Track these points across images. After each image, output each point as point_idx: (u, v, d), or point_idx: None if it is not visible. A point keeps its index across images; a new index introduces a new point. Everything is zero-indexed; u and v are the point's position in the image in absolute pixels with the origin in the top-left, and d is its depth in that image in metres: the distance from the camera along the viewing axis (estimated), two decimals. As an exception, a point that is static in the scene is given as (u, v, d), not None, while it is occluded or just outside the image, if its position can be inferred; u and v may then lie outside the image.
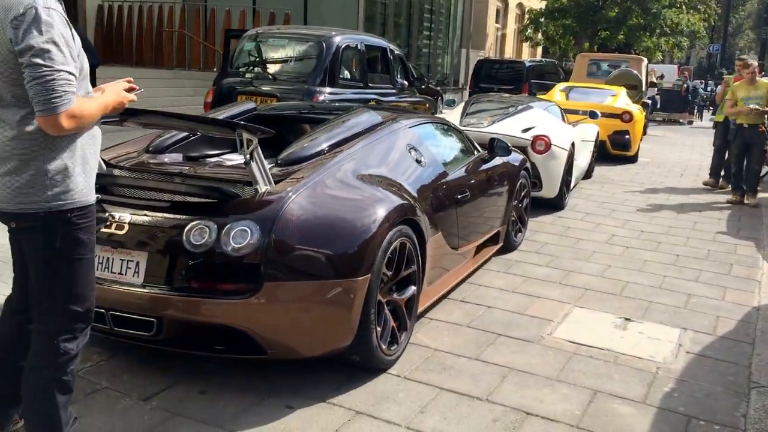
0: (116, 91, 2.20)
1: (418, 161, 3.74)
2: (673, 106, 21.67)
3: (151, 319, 2.72)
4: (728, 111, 8.15)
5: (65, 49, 1.92)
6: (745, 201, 7.94)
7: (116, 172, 3.12)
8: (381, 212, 2.98)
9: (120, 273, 2.73)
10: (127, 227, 2.76)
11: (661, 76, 26.94)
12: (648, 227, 6.49)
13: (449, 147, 4.45)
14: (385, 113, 4.13)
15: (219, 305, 2.65)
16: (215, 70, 13.12)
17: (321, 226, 2.81)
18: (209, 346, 2.83)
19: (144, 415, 2.65)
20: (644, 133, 14.65)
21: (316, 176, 3.01)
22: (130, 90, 2.25)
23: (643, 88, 14.55)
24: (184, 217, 2.72)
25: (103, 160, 3.12)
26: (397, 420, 2.72)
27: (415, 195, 3.46)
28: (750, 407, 2.99)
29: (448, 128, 4.67)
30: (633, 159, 11.11)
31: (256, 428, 2.59)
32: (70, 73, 1.92)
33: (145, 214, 2.78)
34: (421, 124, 4.18)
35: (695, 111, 23.44)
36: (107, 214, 2.80)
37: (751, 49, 49.56)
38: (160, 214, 2.78)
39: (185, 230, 2.66)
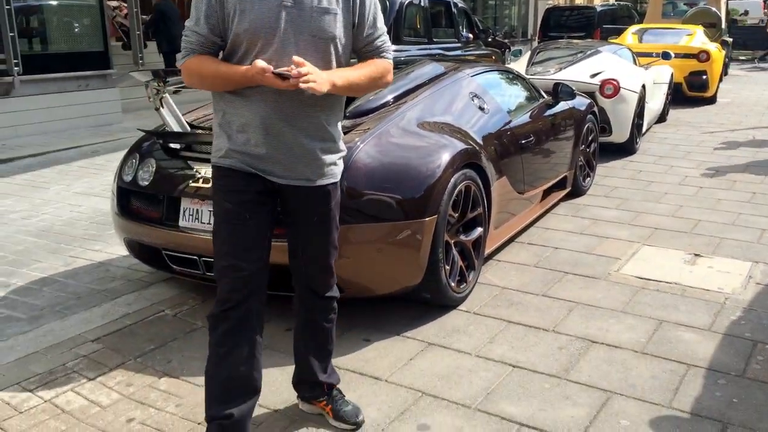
0: (258, 70, 1.89)
1: (481, 108, 3.85)
2: (757, 43, 20.45)
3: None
4: None
5: (194, 11, 2.04)
6: None
7: (199, 131, 3.39)
8: (445, 157, 3.13)
9: (209, 222, 3.00)
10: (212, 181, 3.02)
11: (745, 12, 25.38)
12: (724, 167, 6.35)
13: (513, 94, 4.51)
14: (448, 64, 4.23)
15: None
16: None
17: (388, 172, 2.99)
18: (291, 287, 3.08)
19: (237, 349, 2.94)
20: (725, 73, 14.02)
21: (381, 126, 3.18)
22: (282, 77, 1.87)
23: (723, 25, 13.83)
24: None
25: (186, 121, 3.41)
26: (467, 349, 2.91)
27: (479, 141, 3.58)
28: (820, 333, 3.01)
29: (511, 76, 4.72)
30: (711, 100, 10.71)
31: (338, 358, 2.83)
32: (193, 31, 2.02)
33: (228, 169, 3.04)
34: (483, 72, 4.26)
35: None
36: (195, 170, 3.08)
37: None
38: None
39: (264, 181, 2.89)
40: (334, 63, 2.07)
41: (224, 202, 2.11)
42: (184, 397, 2.55)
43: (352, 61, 2.20)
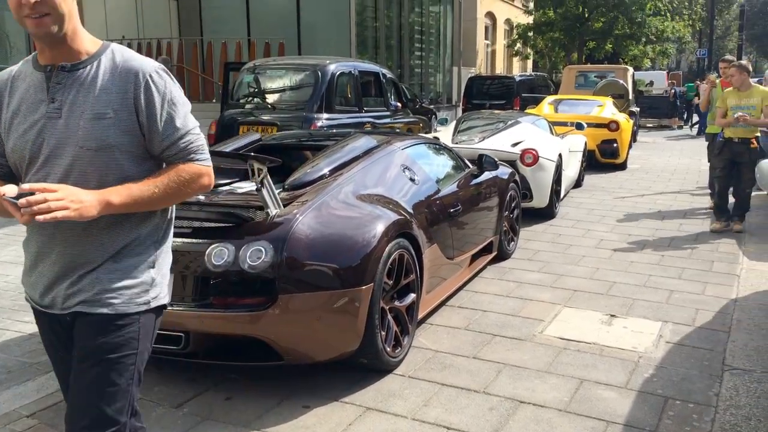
0: None
1: (412, 179, 4.09)
2: (662, 111, 22.09)
3: (180, 334, 3.04)
4: (718, 122, 6.75)
5: None
6: (733, 228, 6.68)
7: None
8: (380, 228, 3.32)
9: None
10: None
11: (651, 83, 27.44)
12: (635, 230, 6.83)
13: (441, 165, 4.80)
14: (380, 137, 4.48)
15: (239, 318, 2.98)
16: (214, 101, 13.55)
17: (327, 242, 3.15)
18: (232, 356, 3.16)
19: (177, 420, 2.96)
20: (634, 140, 15.05)
21: (320, 198, 3.35)
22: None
23: (630, 96, 14.94)
24: (204, 240, 3.06)
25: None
26: (403, 413, 3.03)
27: (411, 211, 3.80)
28: (722, 387, 3.30)
29: (438, 147, 5.02)
30: (622, 166, 11.47)
31: (277, 426, 2.91)
32: None
33: (170, 241, 3.12)
34: (413, 145, 4.54)
35: (684, 116, 23.83)
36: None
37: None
38: (181, 240, 3.11)
39: (206, 253, 2.99)
40: (118, 176, 1.76)
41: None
42: (125, 471, 2.55)
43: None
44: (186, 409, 3.05)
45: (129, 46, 10.52)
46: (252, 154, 3.20)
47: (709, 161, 7.85)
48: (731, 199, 6.91)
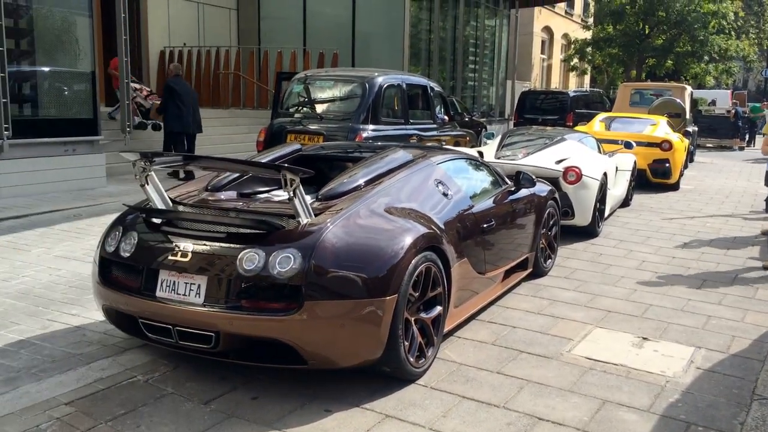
0: None
1: (445, 194, 4.16)
2: (723, 132, 21.48)
3: (211, 334, 3.19)
4: (764, 149, 6.91)
5: None
6: None
7: (180, 208, 3.64)
8: (408, 240, 3.40)
9: (184, 294, 3.21)
10: (190, 255, 3.25)
11: (713, 102, 26.69)
12: (680, 253, 6.70)
13: (476, 180, 4.84)
14: (416, 151, 4.57)
15: (266, 321, 3.10)
16: (268, 108, 13.88)
17: (354, 252, 3.25)
18: (259, 357, 3.28)
19: (204, 416, 3.10)
20: (690, 160, 14.70)
21: (350, 209, 3.46)
22: None
23: (687, 116, 14.61)
24: (237, 246, 3.20)
25: (169, 197, 3.66)
26: (422, 422, 3.09)
27: (441, 225, 3.86)
28: (749, 416, 3.24)
29: (476, 163, 5.07)
30: (674, 187, 11.23)
31: (299, 428, 3.01)
32: None
33: (205, 244, 3.28)
34: (449, 160, 4.60)
35: (746, 137, 23.10)
36: (174, 244, 3.31)
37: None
38: (217, 244, 3.27)
39: (238, 257, 3.13)
40: None
41: None
42: (151, 461, 2.70)
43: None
44: (213, 406, 3.18)
45: (189, 53, 11.09)
46: (285, 165, 3.33)
47: (766, 185, 7.57)
48: None
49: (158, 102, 10.76)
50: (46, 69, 9.04)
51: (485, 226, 4.41)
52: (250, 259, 3.12)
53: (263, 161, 4.32)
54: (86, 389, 3.29)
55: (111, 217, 4.00)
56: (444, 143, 9.26)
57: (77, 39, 9.19)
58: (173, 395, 3.27)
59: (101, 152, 9.40)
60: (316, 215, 3.36)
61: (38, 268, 5.48)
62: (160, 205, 3.58)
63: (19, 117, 8.52)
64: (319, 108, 8.58)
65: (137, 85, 11.58)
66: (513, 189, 5.11)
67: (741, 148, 21.84)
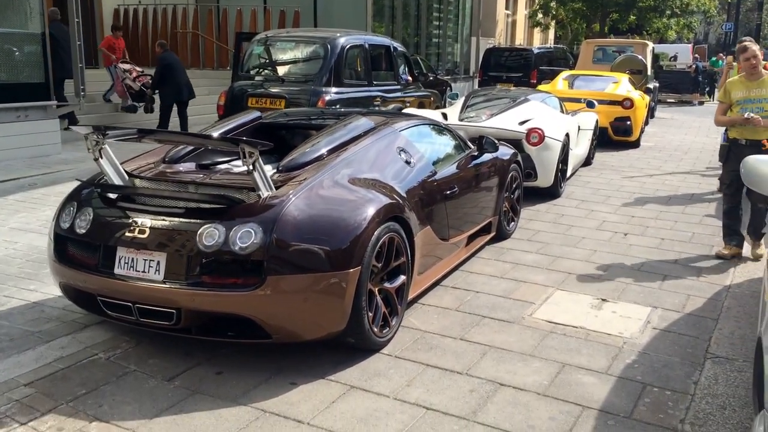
0: None
1: (408, 162, 4.13)
2: (684, 87, 21.74)
3: (172, 311, 3.15)
4: (717, 119, 5.37)
5: None
6: (752, 254, 5.31)
7: (137, 182, 3.55)
8: (370, 211, 3.38)
9: (143, 271, 3.16)
10: (148, 231, 3.19)
11: (675, 57, 26.93)
12: (639, 212, 6.83)
13: (439, 146, 4.83)
14: (378, 118, 4.52)
15: (229, 297, 3.08)
16: (228, 68, 13.57)
17: (316, 225, 3.22)
18: (222, 332, 3.26)
19: (168, 393, 3.08)
20: (651, 116, 14.88)
21: (311, 181, 3.42)
22: None
23: (648, 73, 14.72)
24: (197, 221, 3.15)
25: (125, 170, 3.57)
26: (386, 392, 3.13)
27: (404, 194, 3.85)
28: (702, 375, 3.36)
29: (438, 128, 5.04)
30: (635, 144, 11.39)
31: (264, 402, 3.02)
32: None
33: (164, 219, 3.22)
34: (412, 126, 4.57)
35: (706, 90, 23.44)
36: (131, 219, 3.24)
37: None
38: (176, 219, 3.21)
39: (198, 233, 3.08)
40: None
41: None
42: (114, 441, 2.69)
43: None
44: (177, 382, 3.17)
45: (145, 11, 10.75)
46: (244, 138, 3.26)
47: (720, 161, 5.68)
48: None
49: (147, 80, 10.88)
50: (-5, 30, 8.66)
51: (448, 192, 4.41)
52: (210, 234, 3.08)
53: (222, 131, 4.23)
54: (46, 369, 3.24)
55: (67, 186, 3.89)
56: (408, 104, 9.19)
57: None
58: (136, 372, 3.25)
59: (55, 117, 9.10)
60: (277, 187, 3.31)
61: (-7, 241, 5.33)
62: (115, 180, 3.48)
63: (-34, 82, 8.17)
64: (281, 70, 8.41)
65: (127, 66, 11.24)
66: (476, 154, 5.11)
67: (701, 103, 22.16)
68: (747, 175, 3.18)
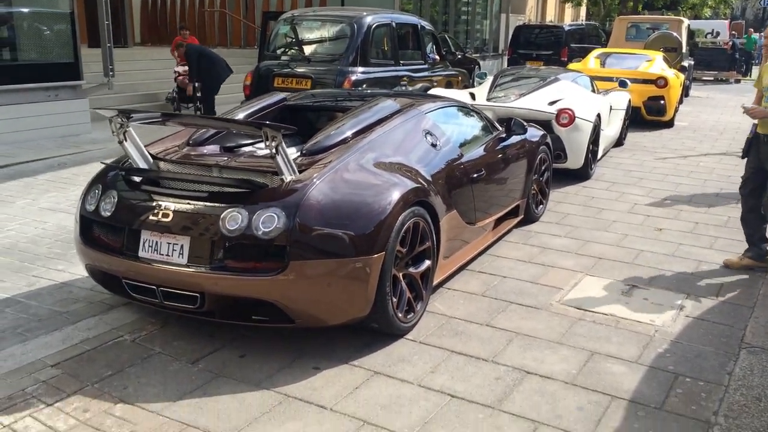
0: None
1: (434, 145, 4.05)
2: (720, 64, 21.13)
3: (195, 294, 3.14)
4: (747, 109, 4.45)
5: None
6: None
7: (161, 165, 3.54)
8: (395, 196, 3.32)
9: (167, 254, 3.15)
10: (172, 215, 3.18)
11: (716, 33, 26.09)
12: (672, 195, 6.66)
13: (466, 128, 4.73)
14: (404, 100, 4.43)
15: (252, 282, 3.05)
16: (255, 47, 13.52)
17: (340, 209, 3.17)
18: (246, 316, 3.25)
19: (192, 376, 3.09)
20: (686, 95, 14.51)
21: (335, 165, 3.36)
22: None
23: (683, 50, 14.32)
24: (220, 205, 3.12)
25: (149, 154, 3.55)
26: (410, 379, 3.09)
27: (429, 178, 3.78)
28: (737, 366, 3.26)
29: (465, 110, 4.94)
30: (669, 124, 11.11)
31: (286, 387, 3.01)
32: None
33: (187, 203, 3.19)
34: (438, 108, 4.47)
35: (743, 68, 22.77)
36: (155, 203, 3.23)
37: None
38: (200, 203, 3.18)
39: (221, 217, 3.06)
40: None
41: None
42: (138, 424, 2.69)
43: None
44: (201, 365, 3.17)
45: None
46: (267, 122, 3.21)
47: (743, 158, 4.90)
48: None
49: (185, 75, 10.76)
50: (25, 10, 8.71)
51: (475, 175, 4.33)
52: (233, 218, 3.05)
53: (246, 113, 4.19)
54: (72, 350, 3.27)
55: (96, 167, 3.89)
56: (435, 84, 9.06)
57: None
58: (161, 355, 3.26)
59: (84, 97, 9.16)
60: (301, 171, 3.26)
61: (23, 220, 5.40)
62: (140, 163, 3.47)
63: (-3, 62, 8.26)
64: (307, 50, 8.34)
65: (182, 69, 11.08)
66: (504, 136, 5.00)
67: (737, 81, 21.55)
68: None
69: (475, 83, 10.40)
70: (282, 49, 8.45)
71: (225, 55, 14.22)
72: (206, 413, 2.78)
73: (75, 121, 8.97)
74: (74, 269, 4.31)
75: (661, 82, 10.53)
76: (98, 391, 2.92)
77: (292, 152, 3.33)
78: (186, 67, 10.64)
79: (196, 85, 10.41)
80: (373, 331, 3.43)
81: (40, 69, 8.67)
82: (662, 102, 10.65)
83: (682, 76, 12.31)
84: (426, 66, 9.21)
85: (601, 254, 4.86)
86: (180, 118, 3.24)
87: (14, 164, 7.27)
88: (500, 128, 5.10)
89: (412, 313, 3.54)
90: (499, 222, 4.92)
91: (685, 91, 14.40)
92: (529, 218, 5.51)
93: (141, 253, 3.21)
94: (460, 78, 10.16)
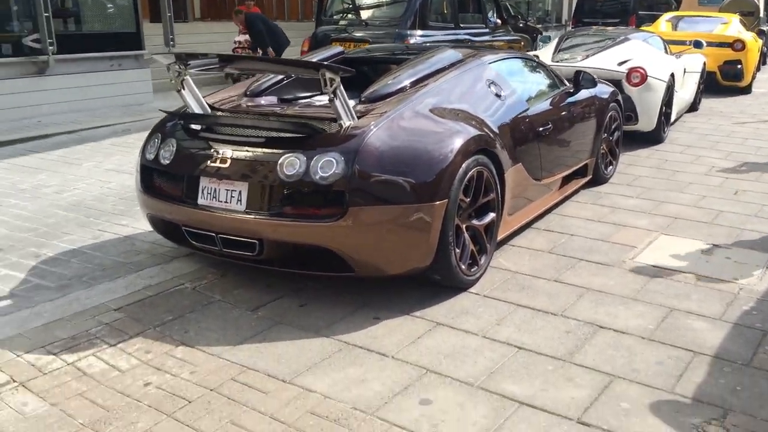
0: None
1: (498, 95, 3.87)
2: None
3: (254, 241, 3.08)
4: None
5: None
6: None
7: (219, 113, 3.48)
8: (457, 142, 3.17)
9: (225, 201, 3.10)
10: (229, 161, 3.12)
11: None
12: (752, 158, 6.26)
13: (532, 82, 4.51)
14: (467, 51, 4.25)
15: (310, 228, 2.97)
16: (312, 20, 13.46)
17: (399, 155, 3.04)
18: (306, 264, 3.17)
19: (252, 322, 3.04)
20: (763, 62, 13.71)
21: (395, 111, 3.23)
22: None
23: (761, 14, 13.50)
24: (277, 150, 3.04)
25: (207, 103, 3.50)
26: (474, 330, 2.96)
27: (494, 128, 3.60)
28: (832, 325, 3.00)
29: (532, 64, 4.72)
30: (746, 90, 10.50)
31: (347, 334, 2.92)
32: None
33: (245, 149, 3.13)
34: (502, 59, 4.27)
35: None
36: (213, 150, 3.17)
37: None
38: (257, 149, 3.11)
39: (279, 162, 2.98)
40: None
41: None
42: (199, 365, 2.66)
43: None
44: (261, 313, 3.12)
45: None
46: (325, 63, 3.10)
47: None
48: None
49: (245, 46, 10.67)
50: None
51: (542, 129, 4.12)
52: (290, 163, 2.96)
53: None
54: (135, 296, 3.27)
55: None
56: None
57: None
58: (221, 302, 3.23)
59: (147, 67, 9.29)
60: (359, 118, 3.15)
61: (89, 181, 5.49)
62: (197, 111, 3.42)
63: (63, 32, 8.43)
64: (365, 14, 8.20)
65: (241, 38, 10.90)
66: (572, 91, 4.76)
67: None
68: None
69: (539, 47, 10.06)
70: (339, 14, 8.35)
71: (283, 28, 14.29)
72: (266, 357, 2.72)
73: (138, 90, 9.11)
74: (137, 224, 4.34)
75: (738, 45, 9.93)
76: (160, 334, 2.91)
77: (351, 102, 3.21)
78: (246, 36, 10.61)
79: (269, 50, 10.36)
80: (434, 284, 3.31)
81: (104, 39, 8.82)
82: (739, 66, 10.05)
83: (760, 41, 11.61)
84: (487, 30, 8.94)
85: (678, 214, 4.58)
86: (238, 62, 3.16)
87: (81, 130, 7.43)
88: (568, 84, 4.85)
89: (476, 267, 3.40)
90: (566, 181, 4.70)
91: (764, 58, 13.60)
92: (598, 179, 5.26)
93: (200, 201, 3.16)
94: (522, 43, 9.85)
